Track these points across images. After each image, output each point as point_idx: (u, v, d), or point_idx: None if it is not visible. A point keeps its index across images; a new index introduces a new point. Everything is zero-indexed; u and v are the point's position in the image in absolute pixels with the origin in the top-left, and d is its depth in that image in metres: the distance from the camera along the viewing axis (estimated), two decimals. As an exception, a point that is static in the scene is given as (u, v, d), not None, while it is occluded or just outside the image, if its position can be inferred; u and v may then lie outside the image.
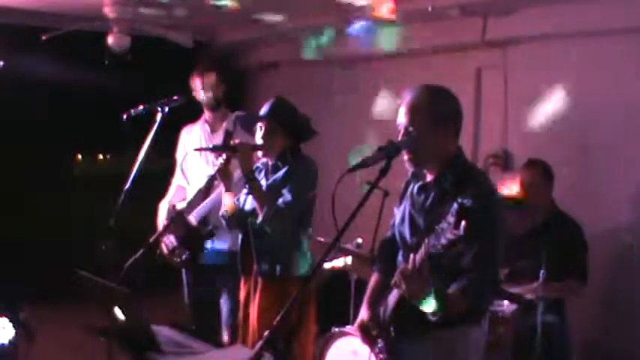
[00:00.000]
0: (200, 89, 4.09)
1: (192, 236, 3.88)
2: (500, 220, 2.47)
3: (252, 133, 3.46)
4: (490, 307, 3.48)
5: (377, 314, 2.66)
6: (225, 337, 4.03)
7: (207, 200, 3.90)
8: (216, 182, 3.82)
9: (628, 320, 4.27)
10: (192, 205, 3.93)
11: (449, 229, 2.13)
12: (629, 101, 4.29)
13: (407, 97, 2.52)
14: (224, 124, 4.12)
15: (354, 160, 2.32)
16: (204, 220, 3.88)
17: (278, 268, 3.38)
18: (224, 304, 4.11)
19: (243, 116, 3.67)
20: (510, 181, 4.19)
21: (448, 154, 2.53)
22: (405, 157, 2.51)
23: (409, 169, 2.59)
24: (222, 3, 5.01)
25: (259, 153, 3.42)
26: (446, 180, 2.50)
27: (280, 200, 3.31)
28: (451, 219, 2.13)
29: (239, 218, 3.46)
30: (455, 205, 2.14)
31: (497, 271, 2.47)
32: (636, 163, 4.28)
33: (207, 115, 4.21)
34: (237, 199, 3.52)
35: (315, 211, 3.46)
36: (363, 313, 2.73)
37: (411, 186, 2.66)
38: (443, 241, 2.16)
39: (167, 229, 3.76)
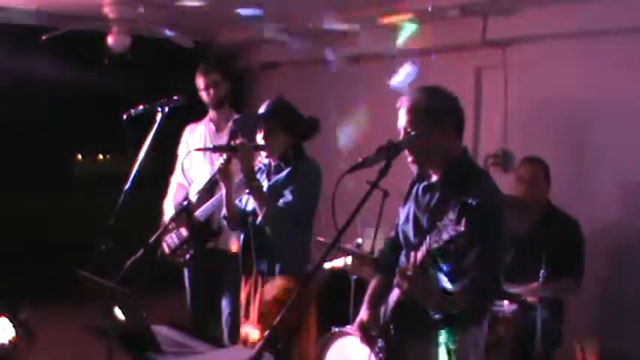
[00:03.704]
0: (203, 88, 4.09)
1: (197, 234, 3.87)
2: (503, 221, 2.47)
3: (252, 135, 3.43)
4: (492, 307, 3.49)
5: (377, 314, 2.66)
6: (226, 338, 4.03)
7: (212, 199, 3.89)
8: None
9: (627, 320, 4.26)
10: (197, 204, 3.92)
11: (450, 225, 2.13)
12: (628, 101, 4.29)
13: (406, 101, 2.53)
14: (229, 124, 4.12)
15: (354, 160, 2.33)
16: (208, 220, 3.88)
17: (277, 268, 3.37)
18: (226, 306, 4.11)
19: (241, 118, 3.66)
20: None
21: (452, 154, 2.53)
22: (409, 159, 2.53)
23: (414, 170, 2.61)
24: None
25: (263, 153, 3.42)
26: (450, 180, 2.50)
27: (281, 201, 3.30)
28: (453, 215, 2.13)
29: (240, 219, 3.45)
30: (457, 203, 2.14)
31: (499, 271, 2.45)
32: (636, 163, 4.28)
33: (212, 114, 4.22)
34: (240, 200, 3.52)
35: (316, 212, 3.46)
36: (363, 313, 2.73)
37: (416, 186, 2.66)
38: (444, 236, 2.15)
39: (170, 225, 3.75)
